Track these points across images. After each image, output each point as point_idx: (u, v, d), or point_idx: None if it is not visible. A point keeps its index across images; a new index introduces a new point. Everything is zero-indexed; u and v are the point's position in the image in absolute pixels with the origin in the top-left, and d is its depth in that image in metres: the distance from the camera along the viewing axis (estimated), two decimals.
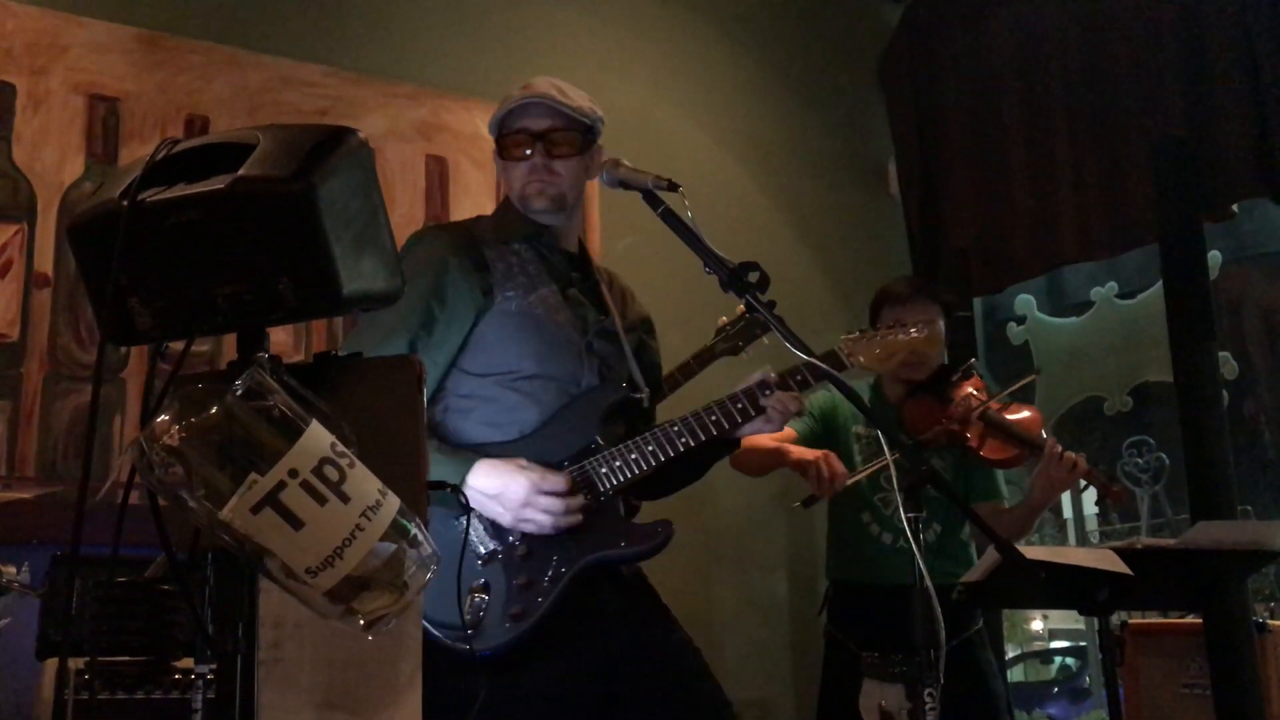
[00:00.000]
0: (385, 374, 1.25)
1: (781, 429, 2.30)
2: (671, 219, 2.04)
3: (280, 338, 3.15)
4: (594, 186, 3.55)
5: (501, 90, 3.69)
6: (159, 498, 1.06)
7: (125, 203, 1.11)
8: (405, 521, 1.08)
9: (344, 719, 1.36)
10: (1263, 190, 3.48)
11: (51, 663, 2.35)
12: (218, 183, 1.10)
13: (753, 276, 2.01)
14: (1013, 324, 4.55)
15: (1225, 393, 3.58)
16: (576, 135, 2.23)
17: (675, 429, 2.14)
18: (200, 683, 2.14)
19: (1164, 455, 4.39)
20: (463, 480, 2.01)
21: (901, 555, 2.91)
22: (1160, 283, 3.74)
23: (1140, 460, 4.43)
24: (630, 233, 3.40)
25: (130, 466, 1.04)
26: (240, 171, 1.10)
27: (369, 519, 1.05)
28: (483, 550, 2.05)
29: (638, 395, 2.23)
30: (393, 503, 1.08)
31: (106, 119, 3.10)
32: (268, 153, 1.12)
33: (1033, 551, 2.37)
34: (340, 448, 1.06)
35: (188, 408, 1.02)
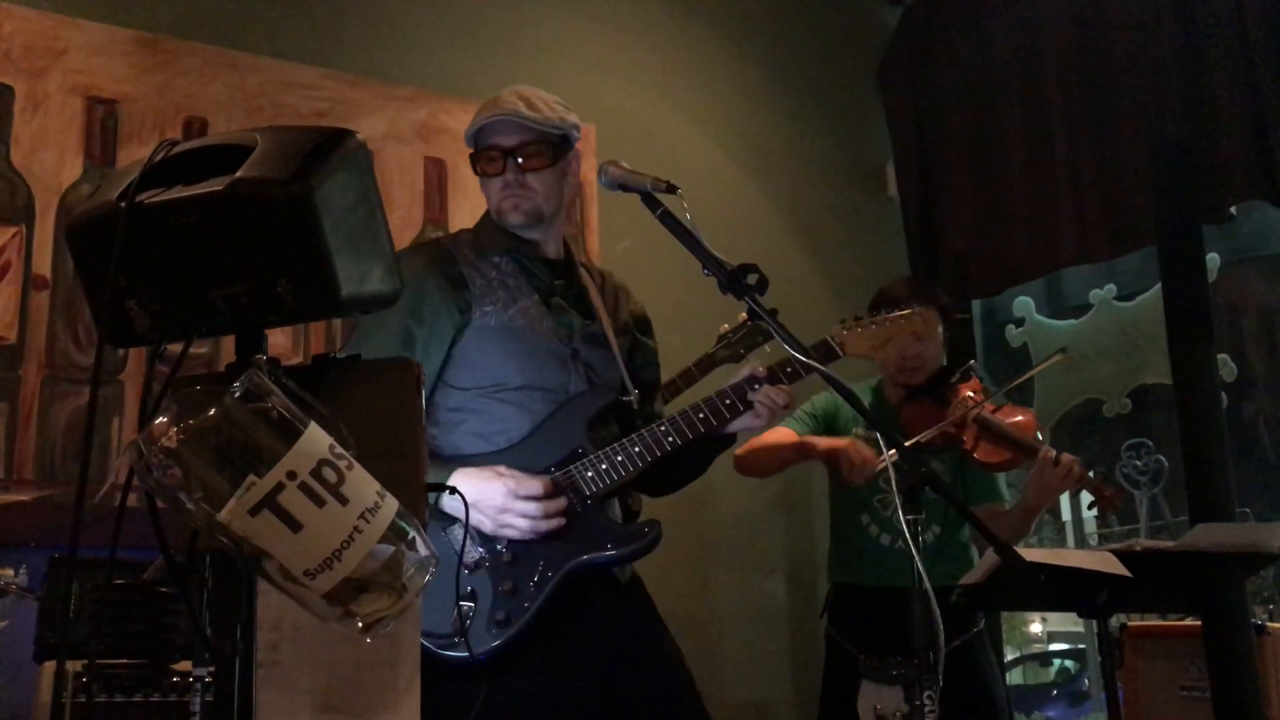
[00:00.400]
0: (384, 376, 1.25)
1: (770, 423, 2.30)
2: (670, 221, 2.04)
3: (278, 340, 3.15)
4: (592, 188, 3.56)
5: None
6: (157, 500, 1.06)
7: (123, 205, 1.11)
8: (404, 523, 1.08)
9: None
10: (1261, 192, 3.48)
11: (50, 665, 2.35)
12: (216, 185, 1.10)
13: (751, 278, 2.01)
14: (1011, 326, 4.55)
15: (1224, 395, 3.58)
16: (547, 147, 2.23)
17: (662, 429, 2.16)
18: (198, 685, 2.14)
19: (1163, 458, 4.39)
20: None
21: (901, 557, 2.91)
22: (1159, 285, 3.74)
23: (1139, 463, 4.43)
24: (629, 235, 3.41)
25: (128, 468, 1.04)
26: (238, 173, 1.10)
27: (367, 521, 1.05)
28: (469, 558, 2.06)
29: (626, 398, 2.24)
30: (391, 505, 1.08)
31: (105, 121, 3.10)
32: (266, 155, 1.12)
33: (1032, 554, 2.36)
34: (338, 450, 1.06)
35: (186, 410, 1.02)
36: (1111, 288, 4.33)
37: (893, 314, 2.44)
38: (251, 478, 1.01)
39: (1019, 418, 2.99)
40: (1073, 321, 4.50)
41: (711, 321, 2.86)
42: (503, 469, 2.06)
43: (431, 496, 1.97)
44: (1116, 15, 3.89)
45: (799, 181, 4.46)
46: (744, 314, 2.52)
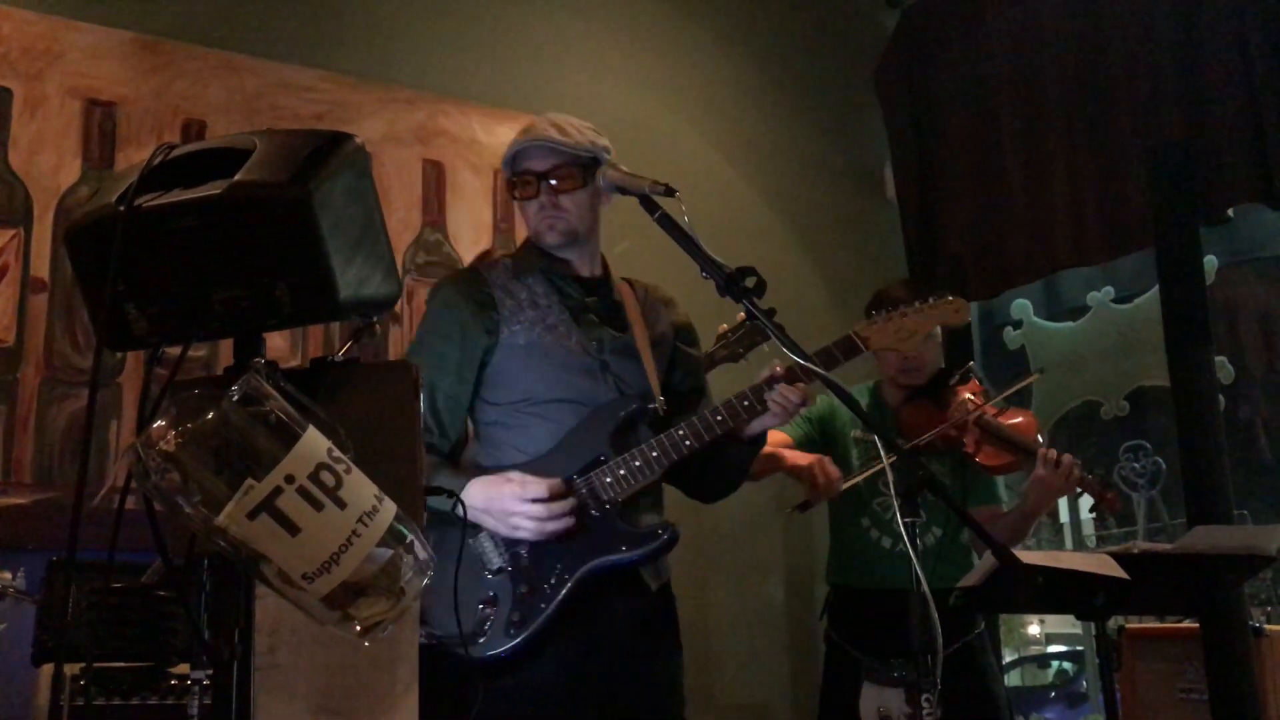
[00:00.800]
0: (382, 380, 1.25)
1: (785, 421, 2.34)
2: (668, 224, 2.05)
3: (277, 343, 3.15)
4: None
5: (498, 95, 3.73)
6: (155, 503, 1.06)
7: (122, 208, 1.11)
8: (402, 527, 1.08)
9: None
10: (1258, 195, 3.49)
11: (47, 668, 2.35)
12: (214, 188, 1.10)
13: (749, 281, 2.02)
14: (1009, 329, 4.55)
15: (1221, 397, 3.58)
16: (578, 170, 2.31)
17: (680, 433, 2.22)
18: (196, 688, 2.14)
19: (1160, 460, 4.40)
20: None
21: (901, 559, 2.90)
22: (1156, 287, 3.74)
23: (1137, 465, 4.43)
24: (627, 237, 3.40)
25: (126, 472, 1.04)
26: (237, 177, 1.10)
27: (365, 524, 1.05)
28: (494, 564, 2.15)
29: (651, 405, 2.29)
30: (389, 508, 1.08)
31: (103, 124, 3.10)
32: (264, 158, 1.12)
33: (1030, 556, 2.37)
34: (337, 453, 1.06)
35: (184, 413, 1.02)
36: (1109, 290, 4.34)
37: (923, 305, 2.44)
38: (250, 481, 1.01)
39: (1019, 420, 2.99)
40: (1070, 324, 4.50)
41: (710, 324, 2.87)
42: (513, 474, 2.15)
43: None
44: (1114, 18, 3.89)
45: (797, 184, 4.46)
46: (742, 314, 2.53)
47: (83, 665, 2.27)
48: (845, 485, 2.84)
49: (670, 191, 2.07)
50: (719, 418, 2.23)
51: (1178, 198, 3.57)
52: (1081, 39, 4.00)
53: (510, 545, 2.15)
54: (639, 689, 2.20)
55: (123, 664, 2.31)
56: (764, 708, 3.99)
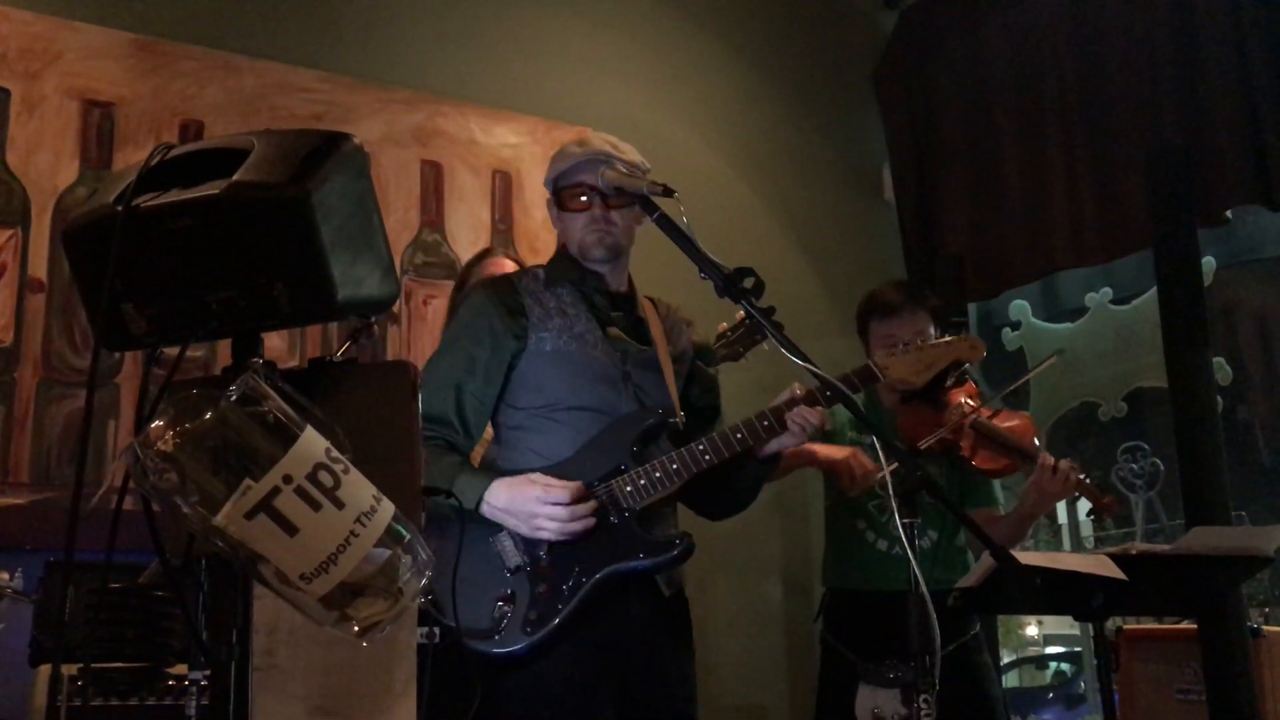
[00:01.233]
0: (380, 380, 1.25)
1: (804, 442, 2.38)
2: (667, 224, 2.06)
3: (275, 343, 3.15)
4: None
5: (497, 96, 3.73)
6: (153, 503, 1.06)
7: (120, 208, 1.11)
8: (400, 527, 1.08)
9: None
10: (1256, 196, 3.49)
11: (45, 669, 2.34)
12: (212, 188, 1.10)
13: (748, 282, 2.03)
14: (1008, 329, 4.56)
15: (1219, 398, 3.58)
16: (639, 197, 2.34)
17: (700, 447, 2.25)
18: (194, 689, 2.14)
19: (1158, 461, 4.40)
20: (481, 498, 2.16)
21: (897, 562, 2.91)
22: (1154, 288, 3.75)
23: (1135, 466, 4.44)
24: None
25: (124, 472, 1.04)
26: (235, 177, 1.10)
27: (363, 525, 1.05)
28: (513, 563, 2.18)
29: (673, 419, 2.32)
30: (387, 508, 1.08)
31: (101, 124, 3.10)
32: (263, 158, 1.12)
33: (1028, 557, 2.37)
34: (335, 453, 1.06)
35: (182, 413, 1.02)
36: (1107, 291, 4.34)
37: (939, 340, 2.49)
38: (248, 481, 1.01)
39: (1015, 422, 2.98)
40: (1069, 325, 4.50)
41: (709, 325, 2.87)
42: (535, 475, 2.19)
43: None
44: (1112, 19, 3.89)
45: (795, 185, 4.47)
46: (741, 312, 2.55)
47: (80, 666, 2.26)
48: (878, 477, 2.83)
49: (669, 192, 2.08)
50: (739, 435, 2.26)
51: (1176, 199, 3.57)
52: (1080, 41, 4.00)
53: (530, 546, 2.18)
54: (654, 690, 2.23)
55: (120, 664, 2.31)
56: (762, 708, 3.99)
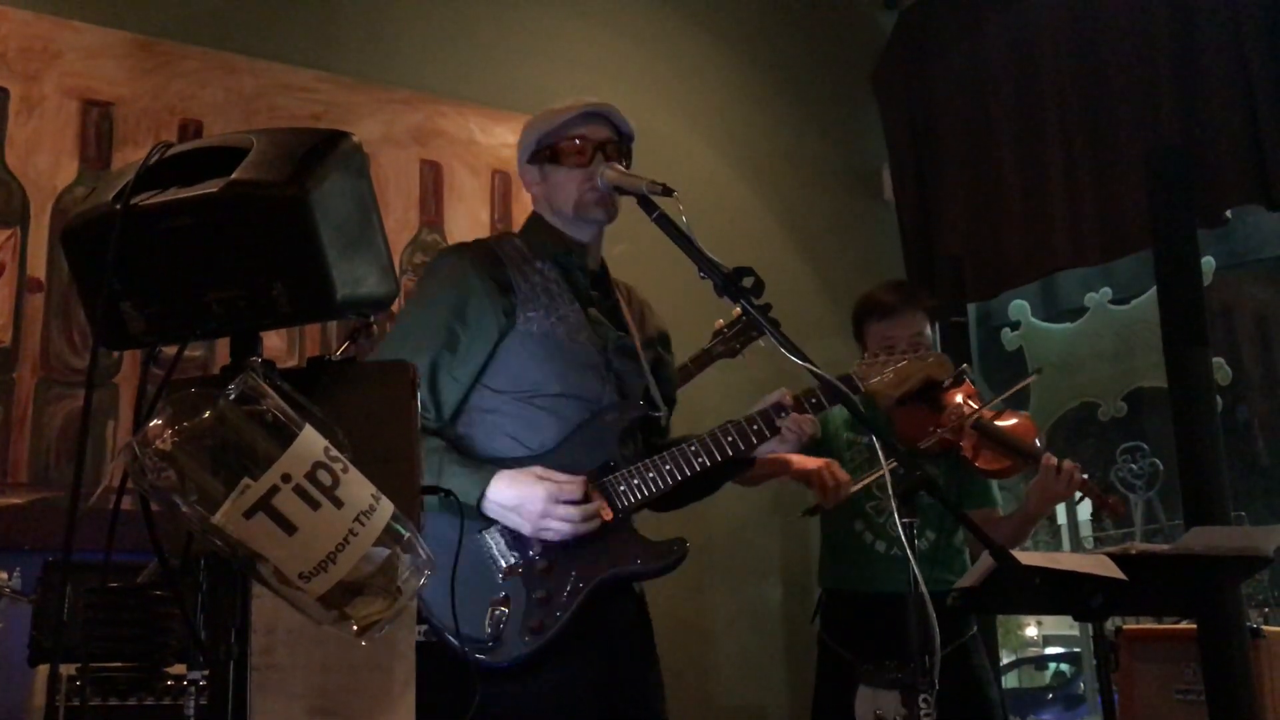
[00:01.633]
0: (379, 379, 1.25)
1: (796, 449, 2.31)
2: (666, 224, 2.04)
3: (274, 342, 3.15)
4: None
5: (496, 96, 3.72)
6: (151, 503, 1.05)
7: (118, 207, 1.11)
8: (399, 526, 1.08)
9: None
10: (1256, 196, 3.49)
11: (43, 669, 2.34)
12: (211, 187, 1.09)
13: (747, 282, 2.02)
14: (1007, 330, 4.56)
15: (1219, 398, 3.58)
16: (626, 148, 2.28)
17: (693, 449, 2.18)
18: (193, 689, 2.14)
19: (1158, 461, 4.40)
20: (483, 493, 2.05)
21: (894, 563, 2.90)
22: (1154, 288, 3.75)
23: (1134, 466, 4.44)
24: (625, 238, 3.40)
25: (123, 472, 1.04)
26: (234, 176, 1.10)
27: (362, 524, 1.04)
28: (504, 563, 2.09)
29: (656, 414, 2.26)
30: (386, 507, 1.07)
31: (100, 124, 3.09)
32: (262, 157, 1.12)
33: (1027, 557, 2.36)
34: (333, 452, 1.06)
35: (180, 412, 1.01)
36: (1107, 291, 4.34)
37: (912, 357, 2.47)
38: (246, 480, 1.01)
39: (1016, 422, 2.98)
40: (1068, 325, 4.50)
41: (708, 325, 2.87)
42: (541, 471, 2.08)
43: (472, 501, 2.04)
44: (1112, 19, 3.89)
45: (795, 185, 4.47)
46: (738, 310, 2.52)
47: (79, 666, 2.26)
48: (854, 488, 2.82)
49: (668, 191, 2.06)
50: (730, 439, 2.19)
51: (1175, 199, 3.57)
52: (1079, 41, 4.00)
53: (520, 544, 2.09)
54: (638, 690, 2.19)
55: (119, 664, 2.31)
56: (761, 709, 3.99)
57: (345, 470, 1.05)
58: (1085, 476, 2.85)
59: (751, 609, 4.07)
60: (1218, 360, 3.70)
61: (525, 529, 2.07)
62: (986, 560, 2.35)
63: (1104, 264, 4.04)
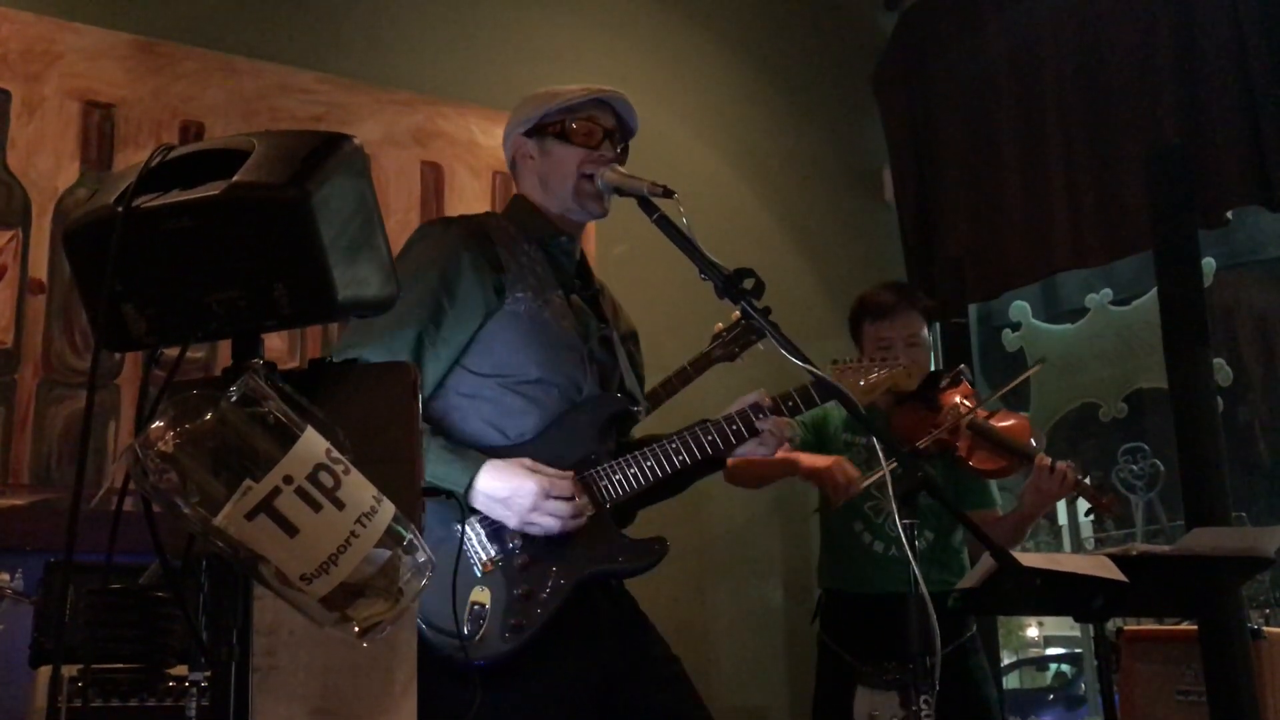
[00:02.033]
0: (380, 380, 1.25)
1: (773, 454, 2.27)
2: (666, 226, 2.04)
3: (275, 344, 3.15)
4: None
5: (497, 97, 3.72)
6: (153, 504, 1.06)
7: (120, 209, 1.11)
8: (400, 528, 1.08)
9: None
10: (1257, 197, 3.49)
11: (45, 670, 2.34)
12: (212, 189, 1.10)
13: (748, 283, 2.01)
14: (1008, 330, 4.56)
15: (1220, 399, 3.58)
16: (625, 145, 2.29)
17: (673, 445, 2.14)
18: (194, 690, 2.14)
19: (1159, 462, 4.40)
20: (470, 482, 2.00)
21: (893, 564, 2.91)
22: (1155, 289, 3.75)
23: (1135, 467, 4.44)
24: (625, 239, 3.41)
25: (124, 473, 1.04)
26: (235, 178, 1.10)
27: (364, 525, 1.05)
28: (484, 556, 2.04)
29: (636, 408, 2.23)
30: (388, 509, 1.08)
31: (101, 125, 3.10)
32: (263, 159, 1.12)
33: (1028, 558, 2.37)
34: (335, 454, 1.06)
35: (182, 414, 1.02)
36: (1108, 292, 4.34)
37: (886, 368, 2.47)
38: (248, 482, 1.01)
39: (1012, 423, 2.98)
40: (1069, 326, 4.50)
41: (708, 327, 2.87)
42: (530, 463, 2.04)
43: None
44: (1113, 20, 3.90)
45: (795, 186, 4.47)
46: (737, 313, 2.51)
47: (80, 667, 2.26)
48: (864, 485, 2.82)
49: (669, 193, 2.05)
50: (710, 438, 2.15)
51: (1176, 200, 3.58)
52: (1080, 42, 4.00)
53: (499, 538, 2.05)
54: (644, 684, 2.12)
55: (120, 665, 2.31)
56: (762, 710, 3.99)
57: (347, 472, 1.06)
58: (1080, 476, 2.85)
59: (752, 609, 4.07)
60: (1218, 361, 3.70)
61: (511, 521, 2.02)
62: (987, 561, 2.35)
63: (1105, 265, 4.04)
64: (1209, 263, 3.73)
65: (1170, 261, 3.58)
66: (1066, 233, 3.97)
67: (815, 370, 1.99)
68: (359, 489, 1.06)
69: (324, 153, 1.14)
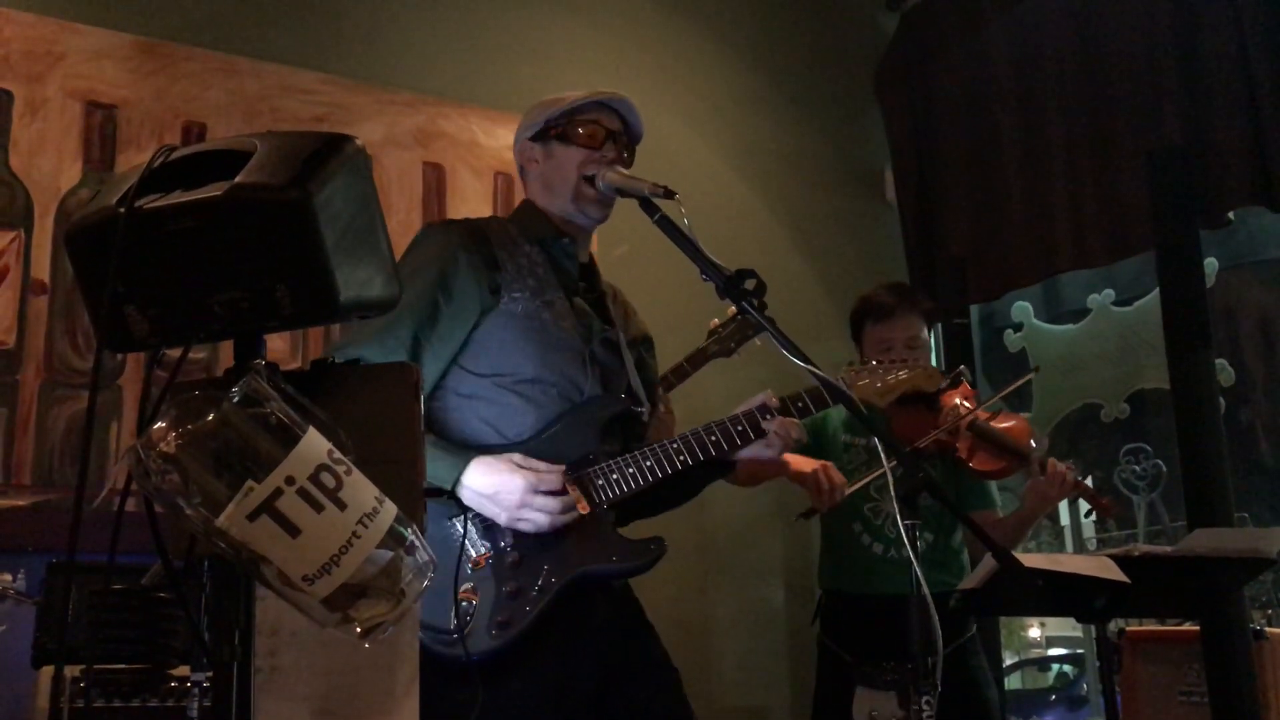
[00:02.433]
0: (382, 381, 1.25)
1: (780, 455, 2.25)
2: (668, 226, 2.03)
3: (277, 345, 3.15)
4: None
5: (499, 98, 3.73)
6: (155, 505, 1.06)
7: (122, 210, 1.11)
8: (402, 528, 1.08)
9: None
10: (1258, 198, 3.49)
11: (47, 670, 2.35)
12: (215, 190, 1.10)
13: (749, 284, 2.00)
14: (1009, 331, 4.56)
15: (1221, 400, 3.58)
16: (631, 150, 2.28)
17: (675, 446, 2.12)
18: (196, 691, 2.14)
19: (1161, 462, 4.40)
20: (458, 478, 1.99)
21: (892, 565, 2.91)
22: (1157, 290, 3.75)
23: (1137, 467, 4.43)
24: (626, 240, 3.41)
25: (127, 474, 1.04)
26: (237, 179, 1.10)
27: (366, 526, 1.05)
28: (474, 552, 2.02)
29: (638, 409, 2.21)
30: (389, 510, 1.08)
31: (103, 126, 3.10)
32: (265, 160, 1.12)
33: (1030, 559, 2.37)
34: (337, 455, 1.06)
35: (184, 415, 1.02)
36: (1110, 292, 4.34)
37: (900, 368, 2.44)
38: (250, 483, 1.01)
39: (1012, 424, 2.98)
40: (1071, 326, 4.50)
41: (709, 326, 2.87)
42: (519, 458, 2.02)
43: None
44: (1114, 20, 3.90)
45: (797, 186, 4.47)
46: (733, 308, 2.50)
47: (83, 667, 2.27)
48: (849, 491, 2.82)
49: (670, 194, 2.04)
50: (714, 439, 2.13)
51: (1178, 201, 3.58)
52: (1081, 42, 4.00)
53: (490, 534, 2.03)
54: (639, 687, 2.11)
55: (123, 666, 2.31)
56: (762, 710, 3.99)
57: (349, 473, 1.06)
58: (1079, 477, 2.85)
59: (753, 610, 4.07)
60: (1220, 361, 3.70)
61: (500, 518, 2.01)
62: (989, 562, 2.35)
63: (1107, 266, 4.04)
64: (1211, 263, 3.73)
65: (1172, 262, 3.58)
66: (1068, 233, 3.97)
67: (817, 371, 1.98)
68: (361, 490, 1.06)
69: (326, 154, 1.14)
